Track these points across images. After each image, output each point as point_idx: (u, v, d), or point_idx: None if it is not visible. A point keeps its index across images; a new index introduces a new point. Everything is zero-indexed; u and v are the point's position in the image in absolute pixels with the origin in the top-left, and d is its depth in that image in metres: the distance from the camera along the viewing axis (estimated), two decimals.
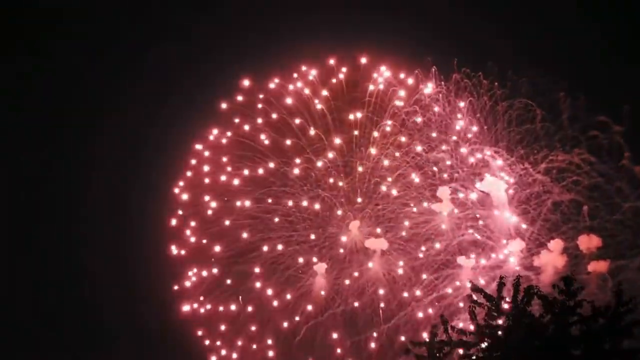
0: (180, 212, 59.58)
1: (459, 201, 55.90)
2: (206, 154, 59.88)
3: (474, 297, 27.70)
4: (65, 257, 62.32)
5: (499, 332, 27.02)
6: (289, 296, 57.27)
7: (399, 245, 55.95)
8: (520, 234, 54.96)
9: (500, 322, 27.17)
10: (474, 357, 27.11)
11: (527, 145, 55.44)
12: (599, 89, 54.66)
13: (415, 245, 56.03)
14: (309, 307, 56.77)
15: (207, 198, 59.11)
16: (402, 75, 58.44)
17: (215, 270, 58.94)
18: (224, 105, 59.69)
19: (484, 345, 27.03)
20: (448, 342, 27.19)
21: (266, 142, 58.79)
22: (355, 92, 58.07)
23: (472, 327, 27.32)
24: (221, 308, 58.43)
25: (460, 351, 27.26)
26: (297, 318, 56.97)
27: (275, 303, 57.52)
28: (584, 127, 54.30)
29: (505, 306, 27.28)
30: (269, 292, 57.77)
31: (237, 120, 59.71)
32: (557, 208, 54.72)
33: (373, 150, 57.15)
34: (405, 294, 55.43)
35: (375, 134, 57.32)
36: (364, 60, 58.53)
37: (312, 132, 58.19)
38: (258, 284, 57.92)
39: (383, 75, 58.06)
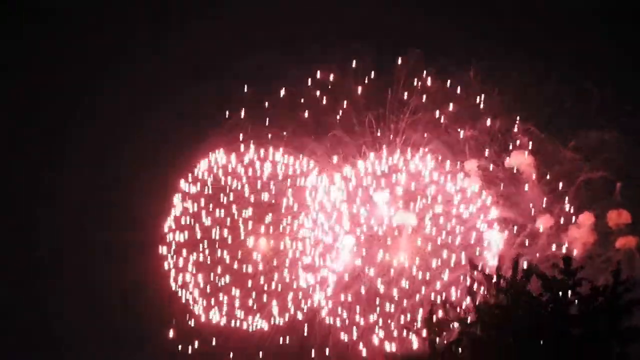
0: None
1: (488, 178, 55.70)
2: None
3: (473, 275, 27.91)
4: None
5: (497, 311, 27.21)
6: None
7: (429, 221, 55.68)
8: (549, 210, 54.66)
9: (498, 300, 27.33)
10: (472, 335, 27.29)
11: (558, 122, 55.03)
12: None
13: (444, 221, 55.78)
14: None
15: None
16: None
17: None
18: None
19: (482, 323, 27.23)
20: (446, 321, 27.47)
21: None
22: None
23: (470, 305, 27.53)
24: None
25: (459, 329, 27.50)
26: None
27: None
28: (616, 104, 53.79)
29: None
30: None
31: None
32: (587, 185, 54.38)
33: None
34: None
35: None
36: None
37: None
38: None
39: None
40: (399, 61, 57.29)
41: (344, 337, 54.94)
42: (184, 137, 57.76)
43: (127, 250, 57.16)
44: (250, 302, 56.13)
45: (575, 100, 54.00)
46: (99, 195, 60.36)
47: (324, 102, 57.53)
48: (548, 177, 55.25)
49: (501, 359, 26.68)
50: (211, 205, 56.54)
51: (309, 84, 57.86)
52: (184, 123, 58.87)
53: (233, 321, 56.37)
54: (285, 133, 56.72)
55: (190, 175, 57.15)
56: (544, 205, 54.85)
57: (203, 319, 56.67)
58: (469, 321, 27.40)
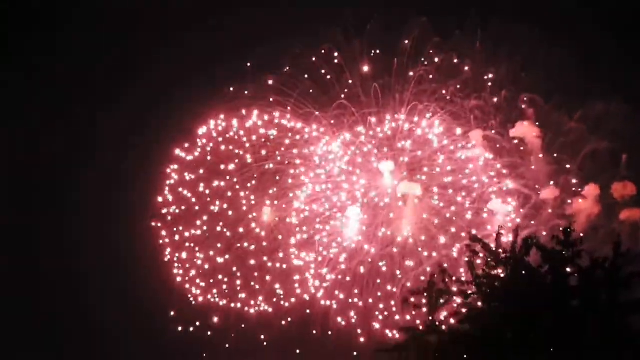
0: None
1: (493, 148, 55.57)
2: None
3: (473, 247, 27.84)
4: None
5: (497, 282, 27.22)
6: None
7: (433, 193, 55.63)
8: (554, 181, 54.58)
9: (498, 272, 27.32)
10: (472, 307, 27.32)
11: (564, 93, 54.76)
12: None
13: (450, 192, 55.72)
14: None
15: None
16: None
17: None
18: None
19: (481, 295, 27.25)
20: (446, 292, 27.49)
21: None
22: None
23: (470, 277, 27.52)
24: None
25: (459, 300, 27.52)
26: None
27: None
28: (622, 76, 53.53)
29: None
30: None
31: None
32: (593, 157, 54.22)
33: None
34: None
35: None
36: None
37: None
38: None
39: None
40: (406, 31, 57.18)
41: (341, 321, 54.29)
42: (180, 101, 55.35)
43: (116, 224, 55.20)
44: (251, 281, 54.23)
45: (581, 71, 53.72)
46: (87, 166, 57.79)
47: (330, 73, 57.31)
48: (553, 148, 55.12)
49: (501, 330, 26.64)
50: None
51: (316, 54, 57.58)
52: (181, 87, 56.33)
53: (233, 303, 54.79)
54: (288, 108, 55.86)
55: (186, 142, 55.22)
56: (549, 177, 54.76)
57: (201, 300, 55.23)
58: (469, 293, 27.34)
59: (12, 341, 54.29)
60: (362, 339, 53.63)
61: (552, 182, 54.75)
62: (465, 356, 26.91)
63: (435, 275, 27.93)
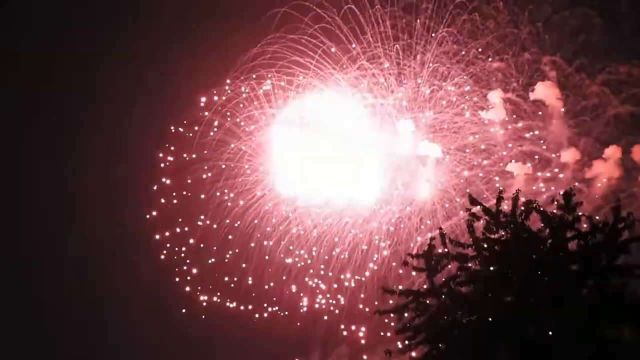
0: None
1: (514, 110, 55.32)
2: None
3: (473, 210, 27.83)
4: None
5: (497, 246, 27.24)
6: None
7: (453, 155, 55.52)
8: (575, 144, 54.26)
9: (498, 236, 27.33)
10: (471, 270, 27.38)
11: (586, 56, 54.20)
12: None
13: (469, 155, 55.58)
14: None
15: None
16: None
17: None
18: None
19: (481, 258, 27.29)
20: (446, 255, 27.55)
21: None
22: None
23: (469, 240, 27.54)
24: None
25: (458, 264, 27.60)
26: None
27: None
28: None
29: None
30: None
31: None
32: (614, 120, 53.82)
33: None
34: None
35: None
36: None
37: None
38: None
39: None
40: None
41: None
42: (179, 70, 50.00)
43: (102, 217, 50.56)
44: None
45: (604, 33, 53.16)
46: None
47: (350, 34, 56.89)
48: (575, 111, 54.78)
49: (499, 293, 26.74)
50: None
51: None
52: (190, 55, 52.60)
53: (242, 306, 51.29)
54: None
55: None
56: (569, 140, 54.46)
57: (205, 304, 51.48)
58: (469, 256, 27.39)
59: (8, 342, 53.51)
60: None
61: (572, 145, 54.42)
62: (464, 319, 27.08)
63: (435, 238, 27.99)
